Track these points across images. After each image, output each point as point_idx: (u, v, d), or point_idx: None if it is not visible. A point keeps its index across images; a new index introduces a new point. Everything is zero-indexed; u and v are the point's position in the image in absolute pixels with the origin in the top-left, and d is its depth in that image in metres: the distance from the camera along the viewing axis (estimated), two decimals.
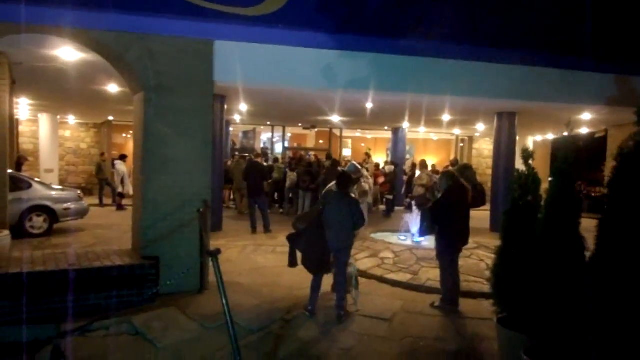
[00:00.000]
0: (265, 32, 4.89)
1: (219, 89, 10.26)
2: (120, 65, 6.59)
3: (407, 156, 20.71)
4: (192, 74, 6.58)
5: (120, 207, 15.18)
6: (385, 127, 19.26)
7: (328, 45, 5.25)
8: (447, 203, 6.14)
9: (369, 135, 24.12)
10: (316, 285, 5.97)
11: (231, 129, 20.12)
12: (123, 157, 15.85)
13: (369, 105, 11.97)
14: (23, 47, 7.42)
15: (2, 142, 8.02)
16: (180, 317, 5.69)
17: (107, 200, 16.26)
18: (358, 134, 23.76)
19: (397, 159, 18.02)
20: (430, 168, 13.94)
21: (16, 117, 16.74)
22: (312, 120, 17.37)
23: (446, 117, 14.42)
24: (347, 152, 24.12)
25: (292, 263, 6.11)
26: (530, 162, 4.68)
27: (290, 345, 5.11)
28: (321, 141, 24.21)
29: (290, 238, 6.10)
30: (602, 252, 3.61)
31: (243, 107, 13.37)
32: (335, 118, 15.78)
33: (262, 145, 23.86)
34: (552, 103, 10.34)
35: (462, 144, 22.91)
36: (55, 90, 11.84)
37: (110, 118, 18.56)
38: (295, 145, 25.16)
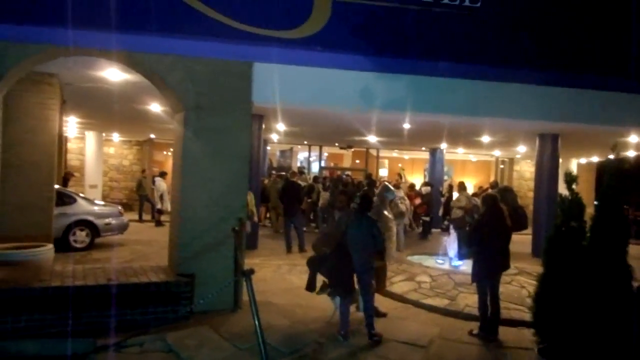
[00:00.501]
0: (304, 55, 4.92)
1: (256, 109, 10.39)
2: (163, 86, 6.78)
3: (445, 177, 20.40)
4: (231, 95, 6.70)
5: (158, 223, 15.49)
6: (423, 148, 19.08)
7: (367, 68, 5.24)
8: (484, 227, 5.98)
9: (406, 155, 23.92)
10: (345, 310, 5.91)
11: (268, 148, 20.36)
12: (163, 174, 16.22)
13: (406, 125, 11.90)
14: (73, 68, 7.76)
15: (51, 159, 8.35)
16: (213, 336, 5.70)
17: (147, 216, 16.64)
18: (395, 154, 23.61)
19: (434, 180, 17.76)
20: (477, 189, 13.59)
21: (65, 134, 17.48)
22: (349, 140, 17.39)
23: (486, 139, 14.17)
24: (383, 172, 23.98)
25: (312, 287, 6.10)
26: (573, 186, 4.52)
27: None
28: (357, 161, 24.17)
29: (312, 263, 6.06)
30: None
31: (280, 126, 13.52)
32: (372, 138, 15.74)
33: (298, 165, 24.03)
34: (596, 125, 10.01)
35: (502, 166, 22.43)
36: (101, 110, 12.30)
37: (152, 136, 19.10)
38: (332, 164, 25.22)
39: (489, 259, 5.94)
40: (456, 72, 5.27)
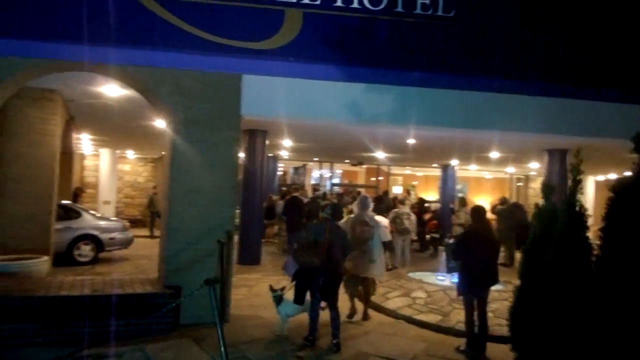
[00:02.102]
0: (277, 65, 4.90)
1: (259, 124, 10.45)
2: (153, 99, 6.89)
3: (460, 195, 20.11)
4: (219, 108, 6.76)
5: None
6: (434, 164, 18.89)
7: (339, 78, 5.18)
8: (469, 239, 5.84)
9: (420, 172, 23.72)
10: (316, 315, 6.01)
11: (281, 165, 20.43)
12: None
13: (411, 141, 11.80)
14: (71, 84, 7.94)
15: (51, 173, 8.53)
16: (193, 348, 5.66)
17: (158, 232, 16.77)
18: (408, 171, 23.44)
19: (445, 197, 17.52)
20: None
21: (81, 151, 17.86)
22: (358, 156, 17.33)
23: (494, 154, 13.95)
24: (397, 189, 23.82)
25: (302, 300, 6.07)
26: (550, 197, 4.39)
27: None
28: (373, 178, 24.08)
29: (301, 276, 6.00)
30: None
31: (287, 142, 13.56)
32: (380, 154, 15.65)
33: (312, 182, 24.05)
34: (605, 139, 9.73)
35: (520, 183, 22.02)
36: (109, 126, 12.52)
37: (164, 153, 19.34)
38: (347, 181, 25.18)
39: (474, 273, 5.79)
40: (432, 82, 5.18)
